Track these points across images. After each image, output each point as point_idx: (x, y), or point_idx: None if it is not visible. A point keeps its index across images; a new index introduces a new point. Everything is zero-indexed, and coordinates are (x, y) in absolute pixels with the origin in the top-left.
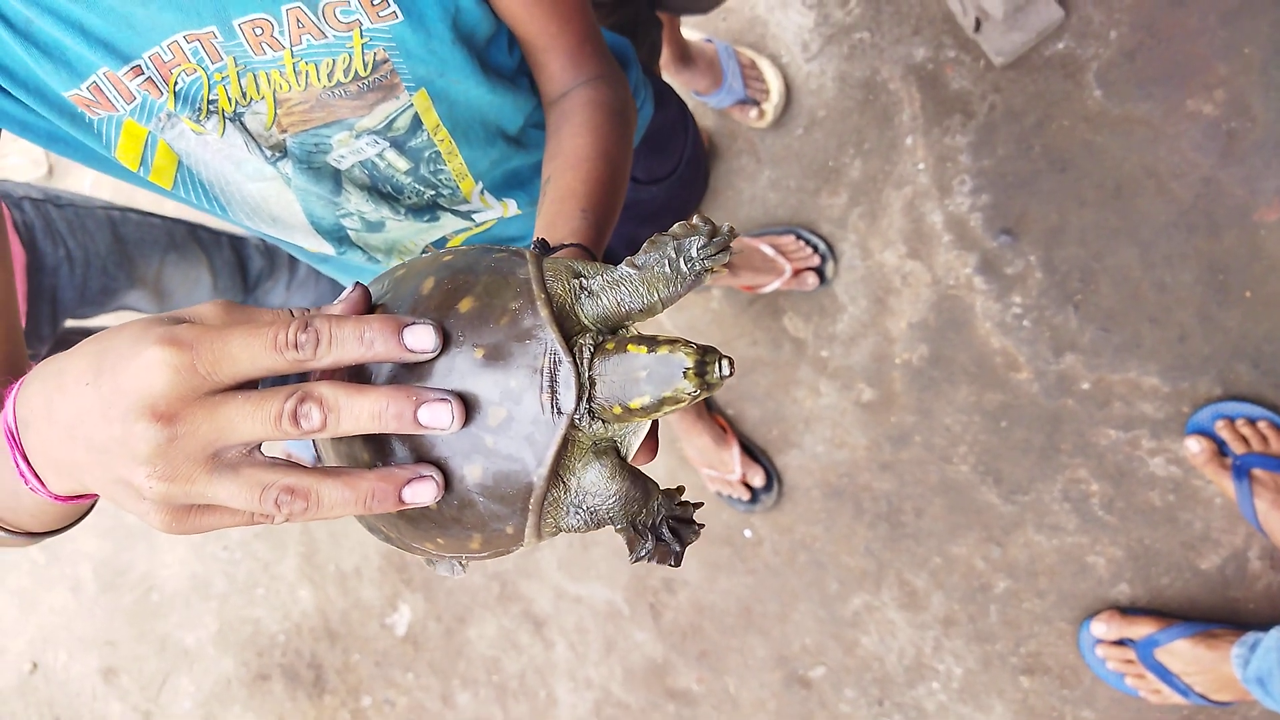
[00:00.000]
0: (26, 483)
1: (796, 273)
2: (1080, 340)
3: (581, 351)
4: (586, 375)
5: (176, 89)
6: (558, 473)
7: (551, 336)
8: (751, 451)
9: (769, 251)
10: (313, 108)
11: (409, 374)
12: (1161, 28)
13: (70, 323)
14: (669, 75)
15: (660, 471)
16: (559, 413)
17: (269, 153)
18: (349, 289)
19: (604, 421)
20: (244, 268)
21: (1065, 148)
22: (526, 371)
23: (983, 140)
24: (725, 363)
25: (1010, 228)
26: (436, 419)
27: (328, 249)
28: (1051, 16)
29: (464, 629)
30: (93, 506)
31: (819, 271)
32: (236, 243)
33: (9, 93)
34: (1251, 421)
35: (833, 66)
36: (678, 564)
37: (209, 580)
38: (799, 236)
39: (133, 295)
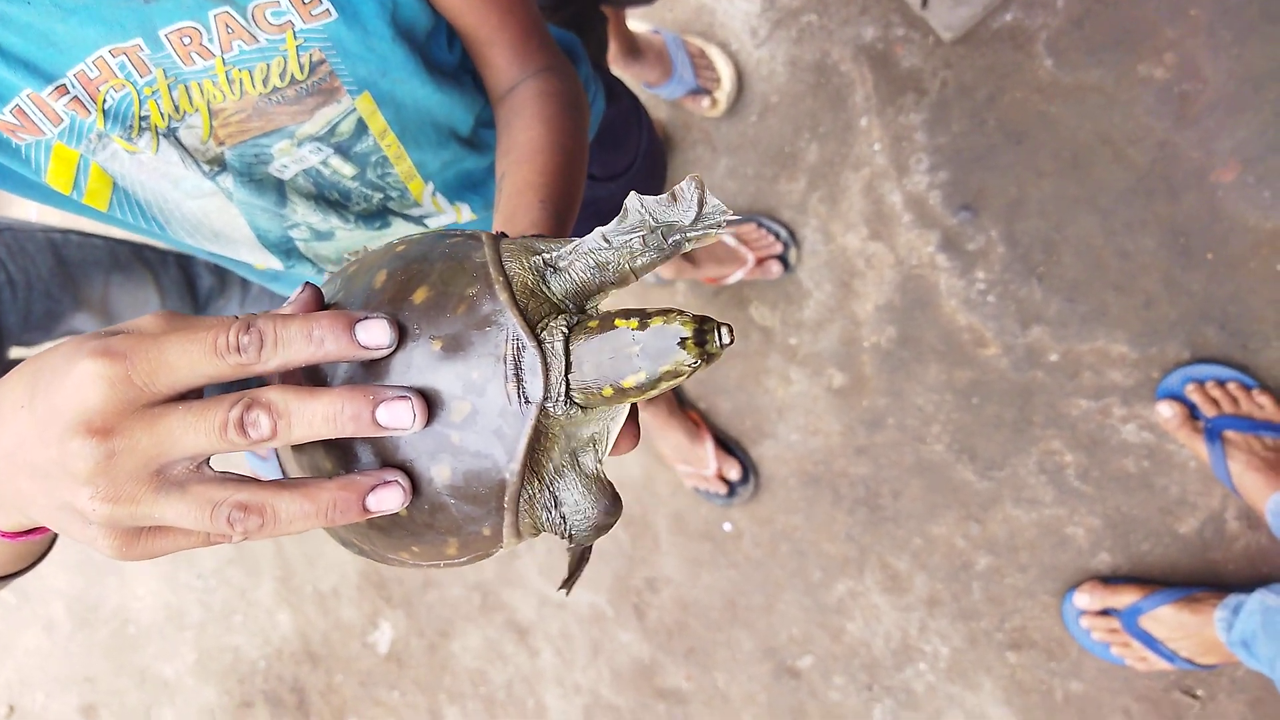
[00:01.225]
0: None
1: (760, 261)
2: (1046, 312)
3: (554, 334)
4: (561, 358)
5: (105, 107)
6: (531, 467)
7: (513, 321)
8: (726, 444)
9: (731, 242)
10: (250, 117)
11: (365, 374)
12: None
13: (16, 351)
14: (617, 69)
15: (635, 470)
16: (526, 402)
17: (207, 167)
18: (299, 290)
19: (582, 407)
20: (193, 286)
21: (1019, 120)
22: (489, 361)
23: (937, 117)
24: (724, 330)
25: (969, 203)
26: (396, 419)
27: (275, 263)
28: None
29: (447, 643)
30: (50, 546)
31: (782, 259)
32: (184, 261)
33: None
34: (1221, 383)
35: (783, 51)
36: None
37: (184, 610)
38: (760, 224)
39: (79, 318)
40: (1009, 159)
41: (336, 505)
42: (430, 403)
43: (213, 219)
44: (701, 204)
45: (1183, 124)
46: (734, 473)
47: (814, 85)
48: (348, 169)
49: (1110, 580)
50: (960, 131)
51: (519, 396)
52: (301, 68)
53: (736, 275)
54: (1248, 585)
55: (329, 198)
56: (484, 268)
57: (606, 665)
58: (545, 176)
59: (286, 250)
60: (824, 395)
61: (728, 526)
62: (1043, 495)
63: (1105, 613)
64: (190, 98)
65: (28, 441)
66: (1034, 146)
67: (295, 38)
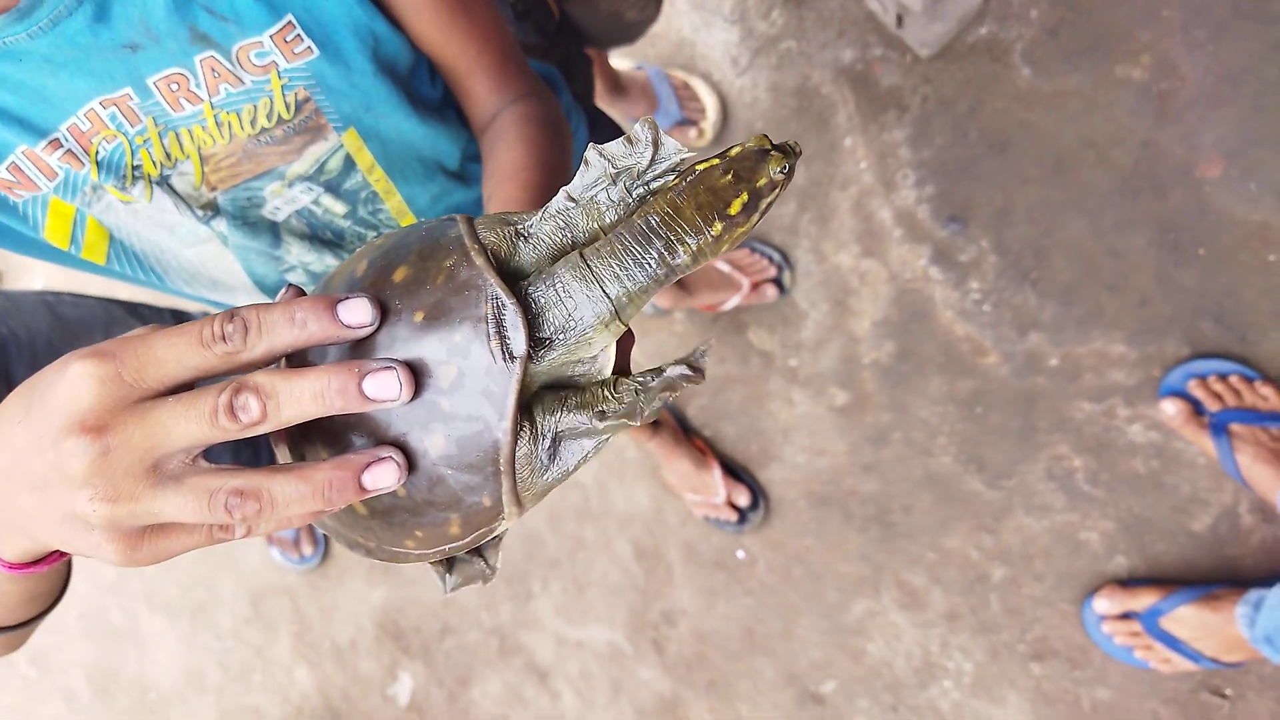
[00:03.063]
0: None
1: (755, 286)
2: (1042, 317)
3: (542, 285)
4: (576, 294)
5: (98, 158)
6: (523, 424)
7: (491, 281)
8: (733, 470)
9: (725, 269)
10: (240, 160)
11: (352, 355)
12: (1080, 0)
13: None
14: (604, 107)
15: (645, 501)
16: (511, 358)
17: (201, 213)
18: (283, 291)
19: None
20: None
21: (1001, 129)
22: (470, 323)
23: (920, 132)
24: (792, 142)
25: (958, 214)
26: (383, 390)
27: None
28: (970, 3)
29: (467, 690)
30: (63, 589)
31: (777, 282)
32: (181, 317)
33: None
34: (1223, 377)
35: (764, 78)
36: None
37: (203, 673)
38: (753, 250)
39: None
40: (994, 168)
41: (332, 484)
42: (417, 372)
43: (209, 267)
44: (657, 144)
45: (1164, 122)
46: (743, 499)
47: (797, 109)
48: (339, 207)
49: (1128, 583)
50: (944, 144)
51: (503, 353)
52: (288, 107)
53: (733, 301)
54: (1267, 579)
55: (322, 238)
56: (459, 240)
57: (629, 703)
58: (529, 192)
59: None
60: (828, 415)
61: (741, 553)
62: (1054, 502)
63: (1126, 616)
64: (181, 144)
65: (25, 454)
66: (1017, 154)
67: (280, 77)
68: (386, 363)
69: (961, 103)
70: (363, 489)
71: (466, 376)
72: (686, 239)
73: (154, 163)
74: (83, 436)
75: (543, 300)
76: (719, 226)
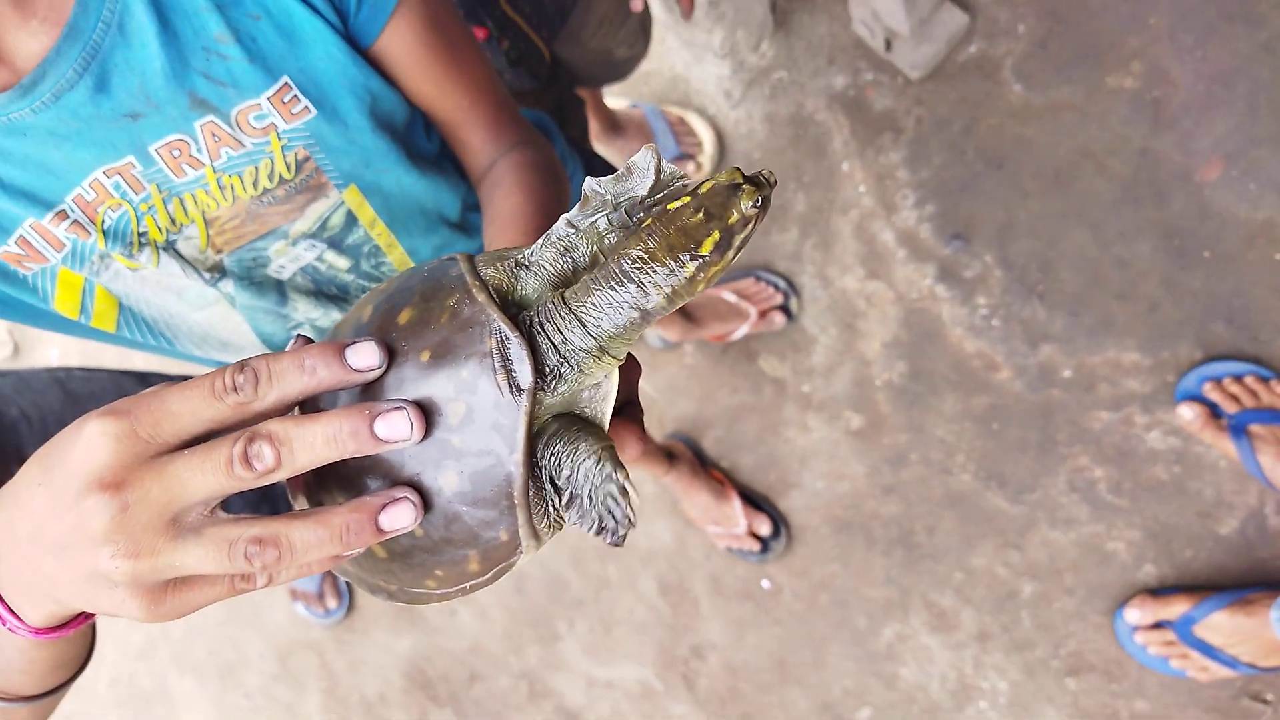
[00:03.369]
0: (3, 622)
1: (763, 314)
2: (1052, 329)
3: (539, 318)
4: (564, 321)
5: (105, 227)
6: (535, 459)
7: (494, 316)
8: (753, 500)
9: (732, 298)
10: (244, 221)
11: (361, 398)
12: (1066, 12)
13: None
14: (601, 146)
15: (667, 537)
16: (518, 390)
17: (208, 275)
18: (292, 341)
19: (583, 365)
20: None
21: (997, 145)
22: (476, 359)
23: (916, 153)
24: (766, 171)
25: (960, 232)
26: (395, 430)
27: None
28: (957, 23)
29: None
30: (88, 659)
31: (784, 309)
32: None
33: None
34: (1238, 378)
35: (759, 109)
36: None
37: None
38: (759, 278)
39: None
40: (993, 184)
41: (350, 528)
42: (427, 411)
43: (219, 328)
44: (659, 172)
45: (1160, 129)
46: (764, 528)
47: (793, 137)
48: (343, 262)
49: (1159, 592)
50: (941, 164)
51: (510, 386)
52: (288, 167)
53: (741, 330)
54: None
55: (328, 293)
56: (460, 278)
57: None
58: (531, 237)
59: None
60: (844, 439)
61: (766, 583)
62: (1078, 514)
63: (1159, 626)
64: (185, 209)
65: (47, 516)
66: (1015, 169)
67: (279, 138)
68: (396, 403)
69: (956, 122)
70: (380, 530)
71: (475, 412)
72: (660, 282)
73: (159, 229)
74: (102, 494)
75: (539, 332)
76: (691, 268)
